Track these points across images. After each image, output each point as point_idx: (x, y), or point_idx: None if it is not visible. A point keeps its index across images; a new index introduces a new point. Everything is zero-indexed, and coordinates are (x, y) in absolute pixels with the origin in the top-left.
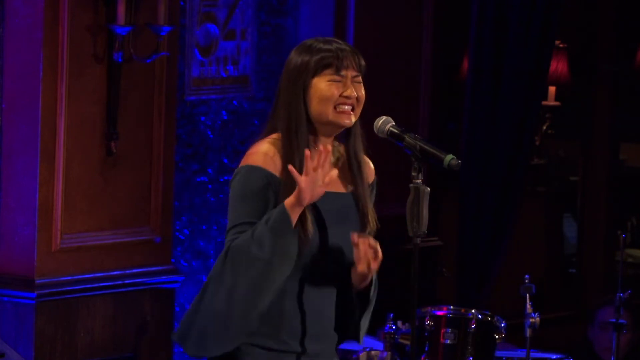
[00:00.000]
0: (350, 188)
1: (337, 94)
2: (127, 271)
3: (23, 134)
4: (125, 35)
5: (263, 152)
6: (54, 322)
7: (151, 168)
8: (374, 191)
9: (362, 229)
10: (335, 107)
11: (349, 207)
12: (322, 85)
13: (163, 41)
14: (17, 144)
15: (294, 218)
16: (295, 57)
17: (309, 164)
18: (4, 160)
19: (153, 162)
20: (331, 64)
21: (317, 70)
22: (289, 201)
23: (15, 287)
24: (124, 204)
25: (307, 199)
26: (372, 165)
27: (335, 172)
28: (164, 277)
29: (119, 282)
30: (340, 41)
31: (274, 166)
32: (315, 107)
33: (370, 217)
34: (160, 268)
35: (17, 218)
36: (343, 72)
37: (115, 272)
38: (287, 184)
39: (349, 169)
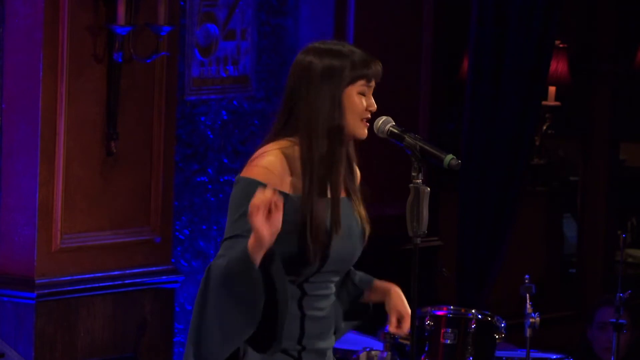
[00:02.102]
0: (346, 193)
1: (363, 107)
2: (127, 271)
3: (23, 134)
4: (125, 35)
5: (263, 166)
6: (54, 322)
7: (151, 168)
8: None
9: (362, 232)
10: (361, 120)
11: (347, 211)
12: (355, 97)
13: (163, 41)
14: (17, 144)
15: (258, 258)
16: (320, 60)
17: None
18: (4, 160)
19: (153, 162)
20: (367, 74)
21: (354, 79)
22: (251, 244)
23: (15, 287)
24: (124, 204)
25: (266, 245)
26: (357, 169)
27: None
28: (164, 277)
29: (119, 282)
30: (354, 47)
31: (277, 179)
32: (344, 116)
33: (366, 220)
34: (160, 268)
35: (17, 218)
36: (372, 83)
37: (115, 272)
38: (302, 196)
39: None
